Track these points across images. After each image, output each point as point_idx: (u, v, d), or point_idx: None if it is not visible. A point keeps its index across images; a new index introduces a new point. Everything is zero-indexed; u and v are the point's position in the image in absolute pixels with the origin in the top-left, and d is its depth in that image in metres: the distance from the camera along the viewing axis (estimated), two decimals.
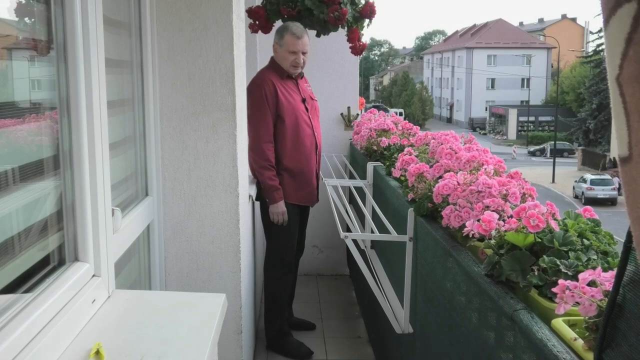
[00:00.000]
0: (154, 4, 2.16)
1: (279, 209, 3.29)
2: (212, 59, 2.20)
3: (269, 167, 3.23)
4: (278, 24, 3.34)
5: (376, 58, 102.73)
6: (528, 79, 54.42)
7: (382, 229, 2.37)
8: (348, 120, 4.77)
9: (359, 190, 3.13)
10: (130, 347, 1.25)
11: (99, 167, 1.46)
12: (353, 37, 3.37)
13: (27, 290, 1.19)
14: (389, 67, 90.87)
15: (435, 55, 69.11)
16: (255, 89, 3.20)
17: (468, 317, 1.46)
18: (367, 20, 3.35)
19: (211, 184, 2.27)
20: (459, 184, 1.77)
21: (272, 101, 3.22)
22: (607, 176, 27.34)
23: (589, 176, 27.74)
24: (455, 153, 2.07)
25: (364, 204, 2.88)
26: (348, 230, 2.60)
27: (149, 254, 2.20)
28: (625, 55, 0.38)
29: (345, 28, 3.32)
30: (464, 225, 1.56)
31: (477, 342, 1.39)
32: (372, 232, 2.40)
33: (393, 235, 2.20)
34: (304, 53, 3.29)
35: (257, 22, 3.29)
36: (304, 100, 3.37)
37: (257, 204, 3.40)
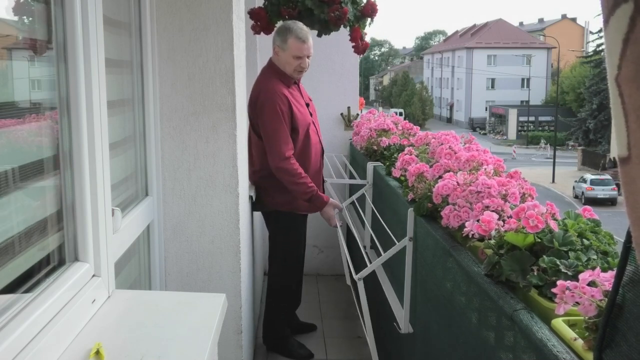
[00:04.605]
0: (154, 4, 2.16)
1: (333, 208, 3.17)
2: (212, 59, 2.20)
3: (304, 176, 3.10)
4: (279, 24, 3.32)
5: (376, 58, 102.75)
6: (528, 79, 54.42)
7: (382, 228, 2.38)
8: (348, 120, 4.77)
9: (359, 190, 3.13)
10: (130, 347, 1.25)
11: (99, 167, 1.46)
12: (355, 36, 3.37)
13: (27, 290, 1.19)
14: (389, 67, 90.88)
15: (435, 55, 69.10)
16: (270, 105, 3.05)
17: (468, 317, 1.46)
18: (368, 19, 3.34)
19: (211, 184, 2.27)
20: (458, 184, 1.77)
21: (288, 116, 3.10)
22: (607, 176, 27.34)
23: (589, 176, 27.75)
24: (455, 153, 2.07)
25: (364, 204, 2.88)
26: (349, 231, 2.60)
27: (149, 254, 2.20)
28: (623, 55, 0.38)
29: (348, 27, 3.31)
30: (463, 225, 1.56)
31: (477, 342, 1.39)
32: (372, 232, 2.40)
33: (396, 247, 2.18)
34: (308, 57, 3.18)
35: (258, 23, 3.28)
36: (307, 105, 3.30)
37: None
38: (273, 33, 3.22)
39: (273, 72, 3.21)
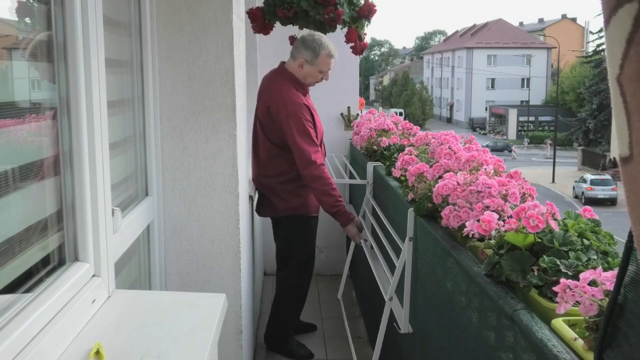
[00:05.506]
0: (154, 4, 2.16)
1: (357, 226, 3.16)
2: (212, 59, 2.20)
3: (335, 187, 3.11)
4: (277, 25, 3.32)
5: (376, 58, 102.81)
6: (528, 79, 54.47)
7: (382, 227, 2.38)
8: (348, 120, 4.77)
9: (360, 190, 3.13)
10: (130, 347, 1.25)
11: (99, 167, 1.46)
12: (351, 38, 3.36)
13: (27, 290, 1.19)
14: (389, 67, 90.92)
15: (435, 55, 69.11)
16: (296, 115, 3.09)
17: (468, 317, 1.46)
18: (366, 21, 3.34)
19: (211, 184, 2.27)
20: (458, 184, 1.77)
21: (312, 125, 3.14)
22: (607, 176, 27.35)
23: (589, 176, 27.76)
24: (455, 153, 2.07)
25: (365, 204, 2.88)
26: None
27: (149, 254, 2.20)
28: (626, 55, 0.38)
29: (345, 29, 3.30)
30: (463, 225, 1.56)
31: (477, 342, 1.39)
32: (373, 228, 2.40)
33: (403, 253, 2.18)
34: None
35: (255, 23, 3.28)
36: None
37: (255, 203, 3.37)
38: (297, 43, 3.22)
39: (288, 80, 3.21)
